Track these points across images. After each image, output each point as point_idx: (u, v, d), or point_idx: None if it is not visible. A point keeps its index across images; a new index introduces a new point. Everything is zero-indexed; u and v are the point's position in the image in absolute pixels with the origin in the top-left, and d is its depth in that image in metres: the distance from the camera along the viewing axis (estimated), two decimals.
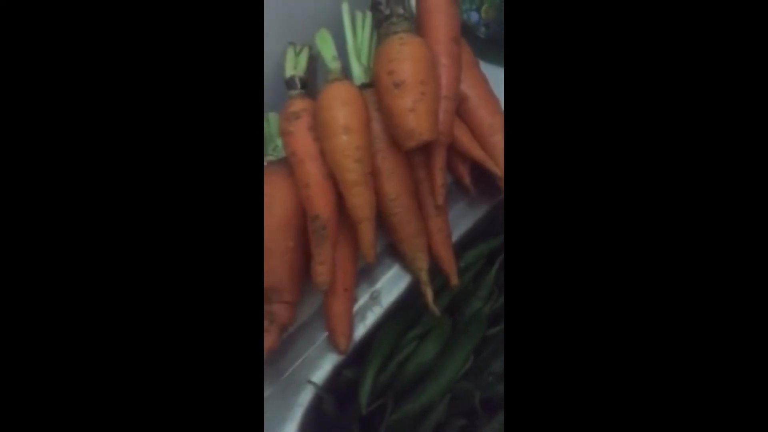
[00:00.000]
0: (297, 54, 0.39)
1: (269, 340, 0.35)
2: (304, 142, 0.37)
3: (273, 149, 0.40)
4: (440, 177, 0.38)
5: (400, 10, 0.37)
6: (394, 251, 0.40)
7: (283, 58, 0.40)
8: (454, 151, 0.40)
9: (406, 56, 0.35)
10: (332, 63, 0.37)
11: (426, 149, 0.38)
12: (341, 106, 0.35)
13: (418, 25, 0.39)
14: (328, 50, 0.38)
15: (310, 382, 0.35)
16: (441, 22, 0.38)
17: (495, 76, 0.43)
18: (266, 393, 0.36)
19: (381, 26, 0.40)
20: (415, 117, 0.35)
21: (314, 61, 0.42)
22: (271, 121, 0.41)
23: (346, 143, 0.35)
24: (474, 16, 0.50)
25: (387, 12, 0.37)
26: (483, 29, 0.50)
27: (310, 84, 0.41)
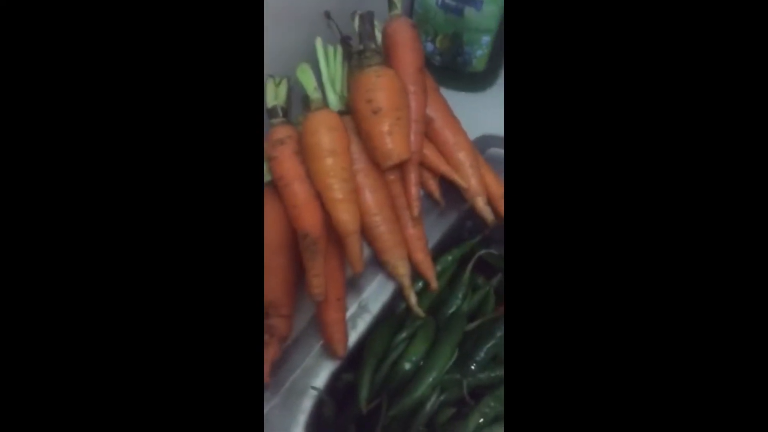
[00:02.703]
0: (277, 85, 0.43)
1: (272, 352, 0.37)
2: (289, 166, 0.40)
3: None
4: (415, 191, 0.42)
5: (372, 45, 0.41)
6: (376, 262, 0.43)
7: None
8: (424, 168, 0.45)
9: (381, 86, 0.39)
10: (314, 93, 0.41)
11: (400, 167, 0.42)
12: (326, 132, 0.39)
13: (386, 57, 0.44)
14: (309, 82, 0.41)
15: (313, 387, 0.37)
16: (407, 55, 0.43)
17: (451, 99, 0.49)
18: (271, 403, 0.38)
19: (351, 59, 0.44)
20: (393, 139, 0.39)
21: (290, 91, 0.45)
22: None
23: (332, 165, 0.39)
24: (429, 47, 0.55)
25: (360, 47, 0.41)
26: (438, 58, 0.56)
27: (288, 112, 0.45)
